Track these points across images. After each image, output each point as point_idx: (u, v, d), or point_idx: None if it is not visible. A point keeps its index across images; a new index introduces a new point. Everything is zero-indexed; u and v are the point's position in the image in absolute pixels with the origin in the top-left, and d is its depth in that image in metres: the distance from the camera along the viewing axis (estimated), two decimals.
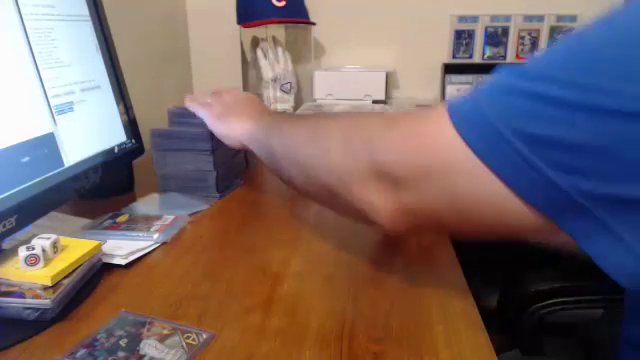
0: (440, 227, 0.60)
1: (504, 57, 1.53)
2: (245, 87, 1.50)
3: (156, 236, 0.68)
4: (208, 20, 1.54)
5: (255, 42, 1.43)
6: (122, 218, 0.73)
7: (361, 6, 1.51)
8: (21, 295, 0.50)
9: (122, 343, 0.46)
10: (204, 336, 0.48)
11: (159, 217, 0.74)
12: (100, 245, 0.60)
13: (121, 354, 0.45)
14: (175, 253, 0.66)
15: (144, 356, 0.45)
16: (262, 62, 1.38)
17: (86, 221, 0.73)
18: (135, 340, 0.47)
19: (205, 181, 0.86)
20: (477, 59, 1.53)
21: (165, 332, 0.48)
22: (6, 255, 0.55)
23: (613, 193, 0.32)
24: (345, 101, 1.40)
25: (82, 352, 0.45)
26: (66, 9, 0.69)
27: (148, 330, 0.48)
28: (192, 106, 0.83)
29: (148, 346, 0.46)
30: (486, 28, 1.51)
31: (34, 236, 0.55)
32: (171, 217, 0.74)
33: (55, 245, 0.55)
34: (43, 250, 0.53)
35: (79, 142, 0.69)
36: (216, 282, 0.59)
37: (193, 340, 0.47)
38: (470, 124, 0.38)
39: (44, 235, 0.55)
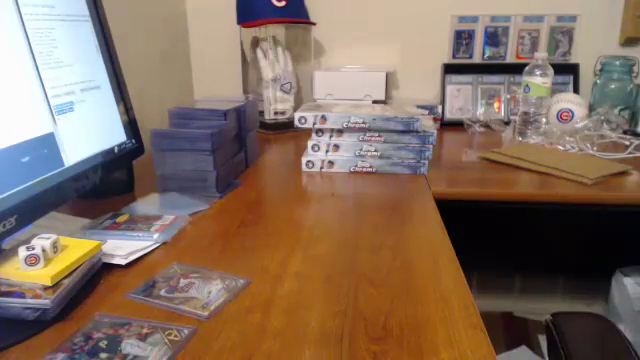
0: None
1: (504, 57, 1.53)
2: (245, 87, 1.50)
3: (156, 236, 0.68)
4: (208, 20, 1.54)
5: (255, 42, 1.43)
6: (122, 218, 0.73)
7: (361, 6, 1.51)
8: (21, 295, 0.50)
9: (102, 345, 0.46)
10: (185, 331, 0.48)
11: (159, 217, 0.74)
12: (100, 245, 0.60)
13: (103, 355, 0.45)
14: (175, 253, 0.66)
15: (127, 355, 0.45)
16: (262, 62, 1.38)
17: (86, 221, 0.73)
18: (115, 341, 0.47)
19: (205, 181, 0.86)
20: (477, 59, 1.53)
21: (144, 331, 0.48)
22: (6, 255, 0.55)
23: None
24: (345, 101, 1.40)
25: (61, 356, 0.45)
26: (66, 9, 0.69)
27: (127, 330, 0.49)
28: None
29: (130, 345, 0.46)
30: (486, 28, 1.51)
31: (34, 236, 0.55)
32: (171, 217, 0.74)
33: (55, 245, 0.55)
34: (43, 250, 0.53)
35: (79, 142, 0.69)
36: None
37: (175, 336, 0.48)
38: None
39: (44, 235, 0.55)
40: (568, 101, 1.31)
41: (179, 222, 0.74)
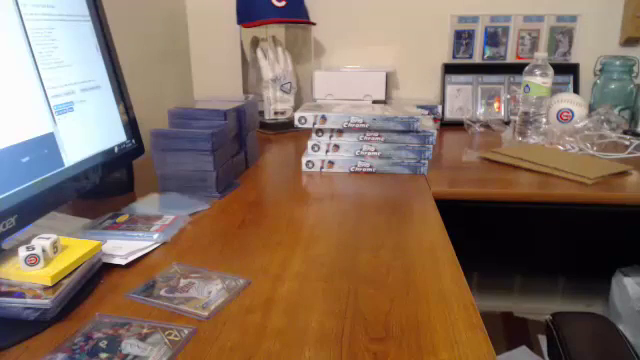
0: None
1: (504, 57, 1.53)
2: (245, 87, 1.51)
3: (156, 236, 0.68)
4: (208, 20, 1.54)
5: (255, 42, 1.43)
6: (122, 218, 0.73)
7: (361, 6, 1.51)
8: (21, 295, 0.50)
9: (102, 345, 0.46)
10: (185, 332, 0.48)
11: (159, 217, 0.74)
12: (100, 245, 0.60)
13: (103, 355, 0.45)
14: (175, 253, 0.66)
15: (127, 355, 0.45)
16: (262, 62, 1.38)
17: (86, 221, 0.73)
18: (116, 341, 0.47)
19: (205, 181, 0.86)
20: (477, 59, 1.53)
21: (145, 331, 0.48)
22: (6, 255, 0.55)
23: None
24: (345, 101, 1.40)
25: (61, 356, 0.45)
26: (66, 9, 0.69)
27: (127, 330, 0.49)
28: None
29: (130, 345, 0.46)
30: (486, 28, 1.51)
31: (34, 236, 0.55)
32: (171, 217, 0.74)
33: (55, 245, 0.55)
34: (43, 250, 0.53)
35: (79, 142, 0.69)
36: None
37: (175, 336, 0.48)
38: None
39: (44, 235, 0.55)
40: (568, 101, 1.31)
41: (179, 222, 0.74)
